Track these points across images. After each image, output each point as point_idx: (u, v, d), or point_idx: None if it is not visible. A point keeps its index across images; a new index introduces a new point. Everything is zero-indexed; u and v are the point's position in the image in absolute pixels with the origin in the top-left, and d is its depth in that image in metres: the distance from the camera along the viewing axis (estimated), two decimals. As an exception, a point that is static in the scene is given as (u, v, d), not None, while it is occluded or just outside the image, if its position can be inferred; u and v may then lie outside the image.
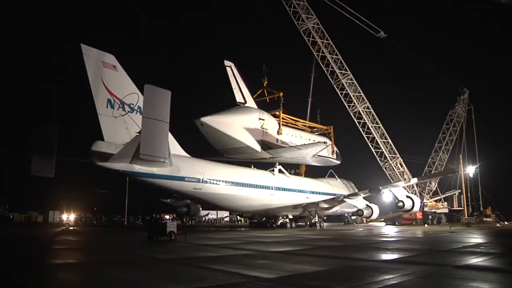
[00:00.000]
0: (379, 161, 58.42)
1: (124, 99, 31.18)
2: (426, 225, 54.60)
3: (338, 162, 52.12)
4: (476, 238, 24.64)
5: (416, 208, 50.45)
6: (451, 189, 64.94)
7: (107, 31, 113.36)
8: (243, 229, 44.80)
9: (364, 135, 57.02)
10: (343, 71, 54.92)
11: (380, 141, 57.14)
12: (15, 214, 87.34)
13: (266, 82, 45.04)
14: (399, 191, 49.25)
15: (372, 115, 56.77)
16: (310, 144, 44.65)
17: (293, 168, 55.22)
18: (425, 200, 61.42)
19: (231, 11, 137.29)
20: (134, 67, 34.87)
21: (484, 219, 64.34)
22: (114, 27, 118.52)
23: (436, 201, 63.25)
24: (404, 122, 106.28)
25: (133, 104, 31.62)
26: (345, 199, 47.53)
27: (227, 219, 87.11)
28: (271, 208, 44.55)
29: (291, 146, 41.81)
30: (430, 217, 60.96)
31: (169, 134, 27.96)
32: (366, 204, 57.42)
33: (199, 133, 35.78)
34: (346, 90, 55.14)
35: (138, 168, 30.60)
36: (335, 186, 55.74)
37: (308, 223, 50.08)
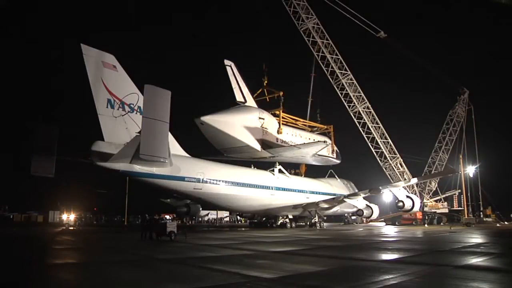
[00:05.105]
0: (379, 161, 58.34)
1: (124, 99, 31.18)
2: (426, 225, 54.63)
3: (338, 161, 52.05)
4: (476, 238, 24.64)
5: (416, 208, 50.45)
6: (451, 189, 64.89)
7: (107, 31, 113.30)
8: (243, 229, 44.80)
9: (364, 135, 56.95)
10: (343, 71, 54.86)
11: (380, 141, 57.08)
12: (15, 214, 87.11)
13: (266, 82, 44.91)
14: (399, 191, 49.23)
15: (372, 115, 56.71)
16: (310, 143, 44.56)
17: (293, 168, 55.25)
18: (425, 200, 61.39)
19: (231, 11, 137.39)
20: (134, 67, 34.85)
21: (484, 219, 64.38)
22: (113, 27, 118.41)
23: (436, 201, 63.23)
24: (404, 122, 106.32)
25: (133, 104, 31.61)
26: (345, 199, 47.56)
27: (227, 219, 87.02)
28: (271, 208, 44.56)
29: (291, 145, 41.76)
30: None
31: (169, 134, 27.94)
32: (366, 204, 57.43)
33: (199, 133, 35.73)
34: (346, 90, 55.07)
35: (138, 168, 30.61)
36: (335, 186, 55.75)
37: (308, 223, 50.07)
